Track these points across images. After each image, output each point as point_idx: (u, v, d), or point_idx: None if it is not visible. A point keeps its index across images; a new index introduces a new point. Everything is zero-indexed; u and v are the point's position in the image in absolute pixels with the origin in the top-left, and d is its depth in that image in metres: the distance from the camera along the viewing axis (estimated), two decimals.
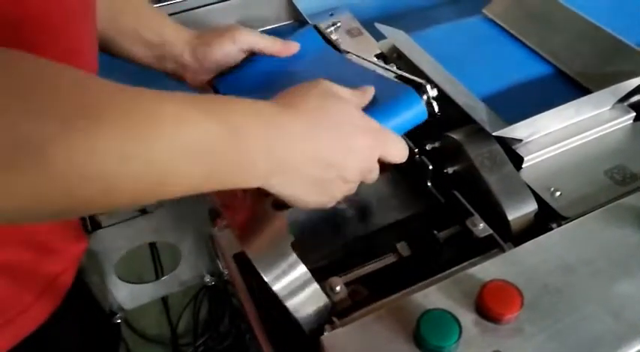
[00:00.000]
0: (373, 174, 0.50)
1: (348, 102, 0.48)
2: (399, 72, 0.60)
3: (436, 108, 0.54)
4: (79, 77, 0.34)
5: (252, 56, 0.66)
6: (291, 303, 0.51)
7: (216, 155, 0.38)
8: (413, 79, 0.55)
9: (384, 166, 0.51)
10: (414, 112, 0.53)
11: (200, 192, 0.40)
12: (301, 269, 0.50)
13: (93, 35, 0.55)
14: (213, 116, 0.38)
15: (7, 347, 0.55)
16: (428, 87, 0.53)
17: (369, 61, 0.66)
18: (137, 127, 0.33)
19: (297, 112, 0.44)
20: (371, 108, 0.51)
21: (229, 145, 0.39)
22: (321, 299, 0.52)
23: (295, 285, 0.50)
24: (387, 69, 0.65)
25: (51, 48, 0.46)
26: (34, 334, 0.57)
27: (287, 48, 0.65)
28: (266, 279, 0.49)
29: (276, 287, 0.50)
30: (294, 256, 0.50)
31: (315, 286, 0.51)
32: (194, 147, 0.36)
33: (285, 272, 0.50)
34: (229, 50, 0.64)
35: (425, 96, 0.53)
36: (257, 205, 0.51)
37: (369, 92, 0.53)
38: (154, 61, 0.66)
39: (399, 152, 0.51)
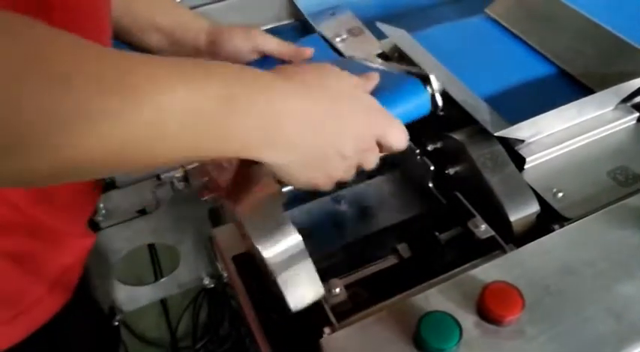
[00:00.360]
0: (371, 156, 0.49)
1: (351, 81, 0.48)
2: (405, 67, 0.59)
3: (439, 102, 0.53)
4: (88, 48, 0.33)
5: (263, 58, 0.65)
6: (281, 276, 0.47)
7: (209, 123, 0.37)
8: (418, 71, 0.54)
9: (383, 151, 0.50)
10: (418, 102, 0.53)
11: (194, 160, 0.39)
12: (296, 238, 0.47)
13: (109, 20, 0.55)
14: (211, 82, 0.37)
15: (21, 337, 0.56)
16: (432, 78, 0.53)
17: (375, 63, 0.65)
18: (125, 92, 0.32)
19: (295, 85, 0.43)
20: (375, 95, 0.50)
21: (223, 113, 0.37)
22: (313, 276, 0.49)
23: (288, 257, 0.47)
24: (392, 66, 0.64)
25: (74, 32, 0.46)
26: (46, 327, 0.58)
27: (300, 53, 0.64)
28: (257, 246, 0.46)
29: (268, 255, 0.46)
30: (290, 226, 0.47)
31: (308, 261, 0.48)
32: (186, 114, 0.35)
33: (278, 241, 0.47)
34: (241, 46, 0.64)
35: (429, 88, 0.53)
36: (245, 166, 0.49)
37: (373, 78, 0.52)
38: (168, 47, 0.65)
39: (398, 137, 0.49)
